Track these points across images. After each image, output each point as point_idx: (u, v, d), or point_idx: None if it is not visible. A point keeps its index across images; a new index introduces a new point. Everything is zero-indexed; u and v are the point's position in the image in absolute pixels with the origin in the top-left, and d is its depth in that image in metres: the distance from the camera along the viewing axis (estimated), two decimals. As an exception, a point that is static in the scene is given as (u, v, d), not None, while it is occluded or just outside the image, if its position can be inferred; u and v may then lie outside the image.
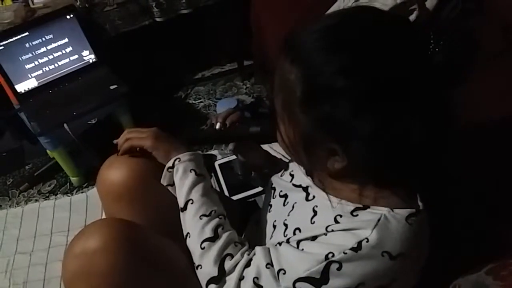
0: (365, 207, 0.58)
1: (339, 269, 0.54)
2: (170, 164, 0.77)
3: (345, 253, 0.54)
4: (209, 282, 0.66)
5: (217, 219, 0.71)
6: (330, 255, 0.55)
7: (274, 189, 0.80)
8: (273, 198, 0.78)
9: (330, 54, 0.53)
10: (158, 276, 0.74)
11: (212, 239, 0.68)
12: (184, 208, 0.73)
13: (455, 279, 0.64)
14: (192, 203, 0.72)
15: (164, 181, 0.78)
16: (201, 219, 0.71)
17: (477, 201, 0.70)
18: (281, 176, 0.80)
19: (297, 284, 0.57)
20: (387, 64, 0.51)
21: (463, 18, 1.02)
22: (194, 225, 0.71)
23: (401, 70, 0.52)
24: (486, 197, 0.70)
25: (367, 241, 0.54)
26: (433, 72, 0.53)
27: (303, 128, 0.57)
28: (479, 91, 0.69)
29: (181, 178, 0.75)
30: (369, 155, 0.54)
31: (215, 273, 0.66)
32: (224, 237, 0.69)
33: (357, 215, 0.58)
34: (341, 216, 0.59)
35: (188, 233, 0.72)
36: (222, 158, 1.55)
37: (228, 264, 0.66)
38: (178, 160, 0.76)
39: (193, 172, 0.75)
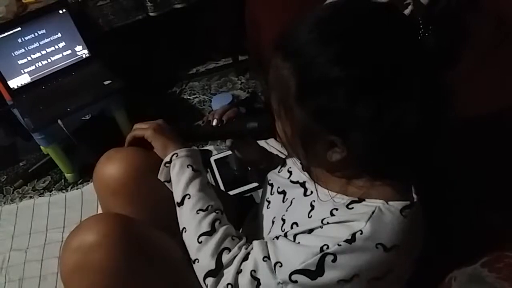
0: (360, 200, 0.59)
1: (334, 261, 0.55)
2: (167, 159, 0.77)
3: (339, 245, 0.55)
4: (207, 275, 0.66)
5: (214, 214, 0.71)
6: (325, 247, 0.56)
7: (272, 185, 0.80)
8: (271, 194, 0.79)
9: (322, 45, 0.53)
10: (155, 270, 0.74)
11: (209, 233, 0.68)
12: (181, 203, 0.73)
13: (451, 272, 0.64)
14: (189, 198, 0.72)
15: (161, 177, 0.78)
16: (198, 213, 0.71)
17: (473, 194, 0.71)
18: (278, 172, 0.81)
19: (293, 277, 0.58)
20: (379, 51, 0.51)
21: (457, 12, 1.02)
22: (191, 219, 0.71)
23: (393, 56, 0.52)
24: (482, 190, 0.70)
25: (361, 233, 0.54)
26: (425, 57, 0.53)
27: (300, 122, 0.57)
28: (475, 85, 0.70)
29: (178, 173, 0.75)
30: (368, 144, 0.54)
31: (213, 266, 0.66)
32: (221, 231, 0.69)
33: (352, 207, 0.59)
34: (336, 209, 0.60)
35: (184, 227, 0.72)
36: (218, 153, 1.55)
37: (225, 257, 0.66)
38: (175, 155, 0.76)
39: (190, 168, 0.75)
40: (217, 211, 0.72)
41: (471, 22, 0.79)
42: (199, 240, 0.68)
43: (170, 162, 0.76)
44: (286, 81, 0.56)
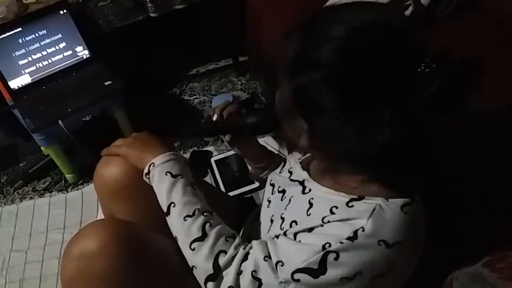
0: (360, 198, 0.59)
1: (336, 258, 0.55)
2: (145, 170, 0.75)
3: (341, 243, 0.55)
4: (207, 280, 0.66)
5: (202, 217, 0.70)
6: (327, 245, 0.56)
7: (273, 185, 0.80)
8: (272, 194, 0.79)
9: (329, 34, 0.54)
10: (157, 276, 0.74)
11: (201, 239, 0.67)
12: (168, 212, 0.72)
13: (452, 272, 0.64)
14: (174, 206, 0.71)
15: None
16: (185, 220, 0.69)
17: (475, 194, 0.71)
18: (279, 173, 0.81)
19: (295, 275, 0.58)
20: (376, 58, 0.52)
21: (458, 13, 1.02)
22: (180, 227, 0.70)
23: (383, 73, 0.52)
24: (484, 190, 0.70)
25: (363, 230, 0.55)
26: (413, 89, 0.52)
27: (284, 95, 0.59)
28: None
29: (158, 183, 0.73)
30: (334, 136, 0.56)
31: (211, 271, 0.65)
32: (212, 234, 0.68)
33: (352, 205, 0.59)
34: (336, 207, 0.60)
35: (176, 236, 0.71)
36: (219, 154, 1.55)
37: (222, 260, 0.65)
38: (152, 165, 0.75)
39: (168, 175, 0.73)
40: (205, 214, 0.70)
41: (472, 23, 0.79)
42: (192, 247, 0.67)
43: (148, 173, 0.75)
44: (287, 54, 0.58)
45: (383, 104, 0.52)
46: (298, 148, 0.65)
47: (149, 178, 0.75)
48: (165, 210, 0.72)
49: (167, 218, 0.72)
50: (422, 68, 0.51)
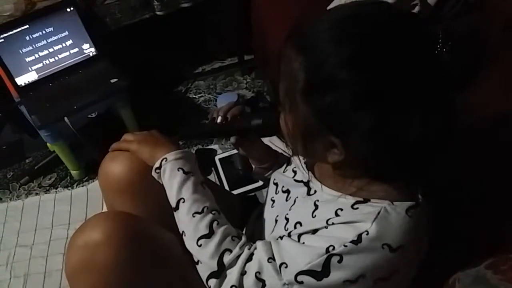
0: (365, 201, 0.59)
1: (339, 261, 0.55)
2: (157, 165, 0.76)
3: (345, 246, 0.55)
4: (209, 276, 0.66)
5: (210, 215, 0.71)
6: (330, 248, 0.56)
7: (277, 185, 0.80)
8: (276, 193, 0.79)
9: (336, 45, 0.52)
10: (160, 268, 0.74)
11: (208, 236, 0.68)
12: (176, 207, 0.73)
13: (455, 273, 0.64)
14: (183, 202, 0.72)
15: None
16: (194, 217, 0.70)
17: (478, 195, 0.70)
18: (283, 172, 0.81)
19: (298, 277, 0.58)
20: (392, 62, 0.51)
21: (465, 13, 1.02)
22: (188, 223, 0.71)
23: (406, 69, 0.51)
24: (487, 192, 0.70)
25: (367, 234, 0.54)
26: (438, 73, 0.52)
27: (303, 117, 0.57)
28: (481, 87, 0.69)
29: (169, 178, 0.74)
30: (368, 150, 0.54)
31: (215, 268, 0.66)
32: (219, 232, 0.68)
33: (357, 208, 0.59)
34: (341, 209, 0.60)
35: (183, 231, 0.72)
36: (223, 152, 1.55)
37: (227, 258, 0.66)
38: (164, 160, 0.76)
39: (180, 171, 0.74)
40: (213, 212, 0.71)
41: (479, 23, 0.79)
42: (199, 244, 0.68)
43: (160, 167, 0.76)
44: (295, 74, 0.55)
45: (413, 95, 0.51)
46: (322, 161, 0.63)
47: (159, 173, 0.76)
48: (174, 205, 0.73)
49: (175, 213, 0.73)
50: (439, 48, 0.50)
